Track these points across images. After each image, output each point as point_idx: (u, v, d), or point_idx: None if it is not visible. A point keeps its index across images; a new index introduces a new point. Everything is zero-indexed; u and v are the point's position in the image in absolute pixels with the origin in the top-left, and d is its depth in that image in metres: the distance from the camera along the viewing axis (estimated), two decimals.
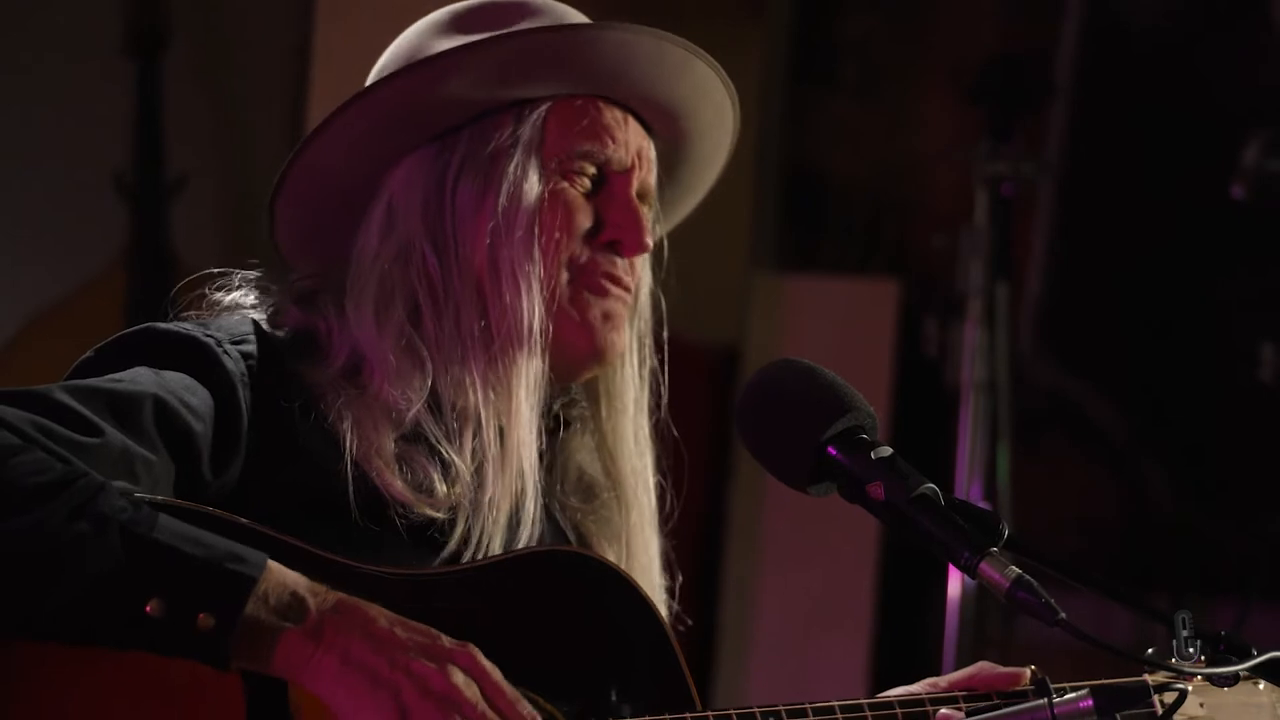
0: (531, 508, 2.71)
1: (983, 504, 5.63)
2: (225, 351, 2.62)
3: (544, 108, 2.76)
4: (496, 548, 2.67)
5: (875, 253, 6.65)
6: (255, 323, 2.71)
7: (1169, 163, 6.23)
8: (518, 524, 2.70)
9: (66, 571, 2.28)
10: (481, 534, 2.65)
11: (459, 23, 2.80)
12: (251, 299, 2.78)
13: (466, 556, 2.63)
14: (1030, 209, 6.30)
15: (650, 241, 2.82)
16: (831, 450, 2.50)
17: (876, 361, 6.24)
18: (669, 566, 2.93)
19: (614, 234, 2.79)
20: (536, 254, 2.72)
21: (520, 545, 2.69)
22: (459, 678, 2.35)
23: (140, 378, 2.54)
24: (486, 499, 2.66)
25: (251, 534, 2.43)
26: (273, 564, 2.36)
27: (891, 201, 6.64)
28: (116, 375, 2.54)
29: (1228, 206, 5.05)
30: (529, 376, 2.71)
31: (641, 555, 2.88)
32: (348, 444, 2.61)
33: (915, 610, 6.01)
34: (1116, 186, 6.38)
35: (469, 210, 2.73)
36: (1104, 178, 6.41)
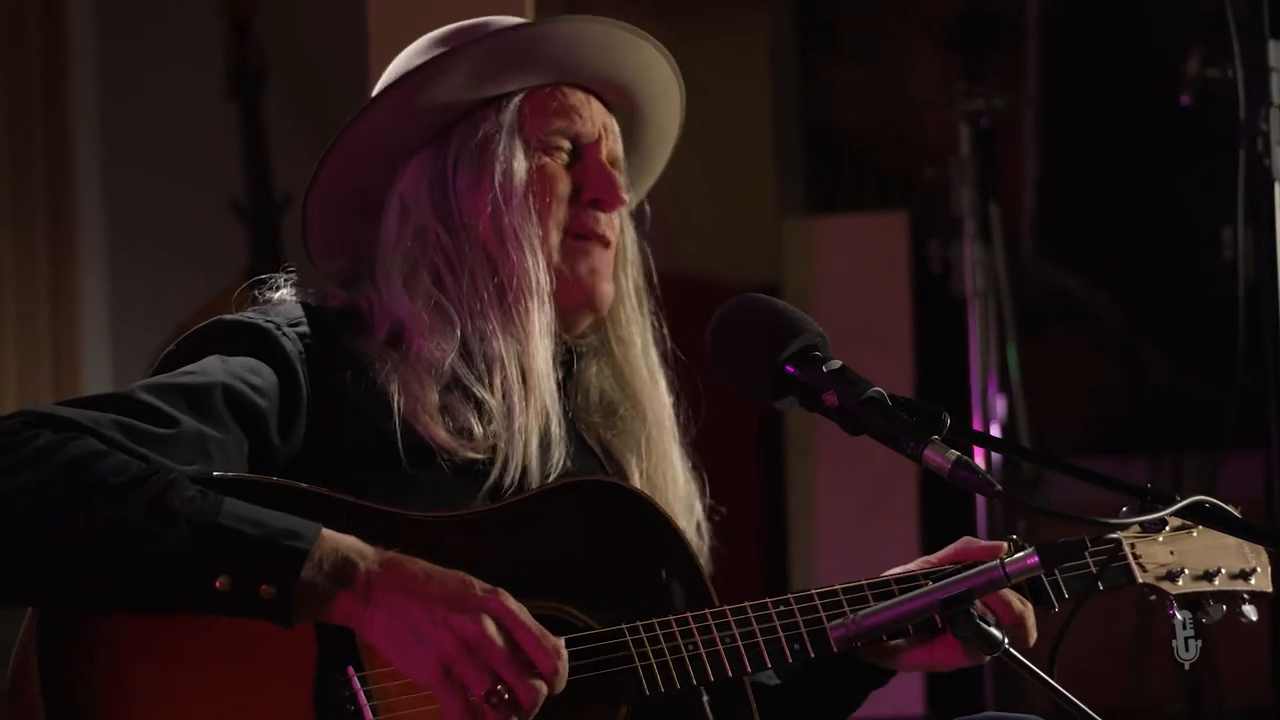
0: (557, 430, 2.68)
1: (996, 394, 5.63)
2: (284, 334, 2.59)
3: (518, 98, 2.75)
4: (533, 469, 2.65)
5: (884, 190, 6.63)
6: (307, 306, 2.70)
7: (1127, 83, 6.19)
8: (548, 445, 2.67)
9: (145, 557, 2.30)
10: (516, 458, 2.63)
11: (439, 43, 2.78)
12: (293, 292, 2.77)
13: (507, 481, 2.61)
14: (1017, 137, 6.25)
15: (626, 197, 2.78)
16: (789, 368, 2.46)
17: (897, 282, 6.16)
18: (695, 469, 2.86)
19: (593, 193, 2.76)
20: (533, 218, 2.70)
21: (553, 464, 2.67)
22: (490, 627, 2.32)
23: (210, 367, 2.52)
24: (516, 427, 2.63)
25: (310, 496, 2.42)
26: (326, 532, 2.34)
27: (893, 144, 6.60)
28: (190, 368, 2.53)
29: (1178, 113, 4.97)
30: (541, 319, 2.69)
31: (660, 460, 2.82)
32: (396, 402, 2.59)
33: (954, 494, 5.94)
34: (1087, 109, 6.34)
35: (469, 191, 2.72)
36: (1076, 102, 6.37)
